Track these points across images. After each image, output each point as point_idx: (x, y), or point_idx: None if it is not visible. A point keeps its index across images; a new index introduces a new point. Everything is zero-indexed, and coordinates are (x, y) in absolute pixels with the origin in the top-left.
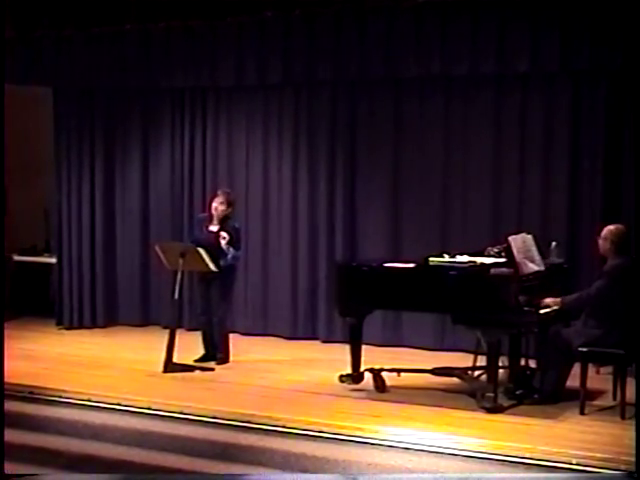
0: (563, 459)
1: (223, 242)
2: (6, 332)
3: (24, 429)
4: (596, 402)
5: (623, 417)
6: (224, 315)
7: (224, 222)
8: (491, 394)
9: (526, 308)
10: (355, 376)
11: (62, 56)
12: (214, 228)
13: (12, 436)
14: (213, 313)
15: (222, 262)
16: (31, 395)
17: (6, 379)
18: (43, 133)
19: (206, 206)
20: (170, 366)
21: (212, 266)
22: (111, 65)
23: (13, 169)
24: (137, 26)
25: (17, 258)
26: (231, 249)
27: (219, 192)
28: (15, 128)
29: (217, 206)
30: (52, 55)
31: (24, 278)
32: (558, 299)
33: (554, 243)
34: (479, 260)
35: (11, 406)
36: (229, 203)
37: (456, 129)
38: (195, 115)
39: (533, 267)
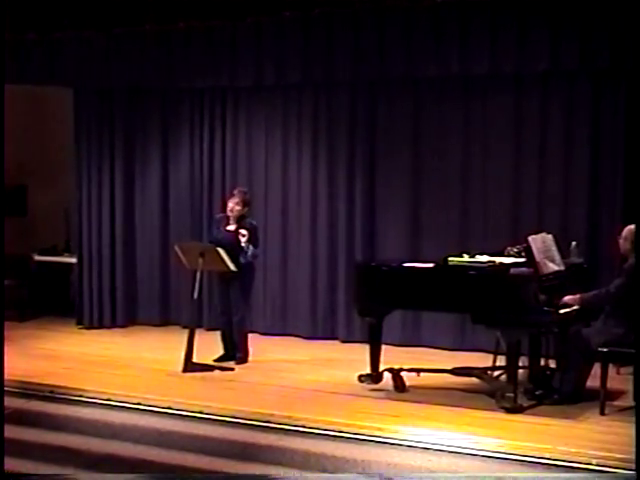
0: (583, 460)
1: (243, 239)
2: (27, 332)
3: (45, 428)
4: (616, 402)
5: None
6: (244, 315)
7: (241, 221)
8: (511, 394)
9: (546, 308)
10: (374, 376)
11: (82, 57)
12: (231, 227)
13: (33, 435)
14: (233, 313)
15: (242, 259)
16: (51, 395)
17: (27, 379)
18: (63, 133)
19: (222, 205)
20: (190, 366)
21: (232, 266)
22: (131, 66)
23: (33, 169)
24: (157, 27)
25: (37, 258)
26: (250, 246)
27: (235, 192)
28: (36, 128)
29: (233, 206)
30: (72, 56)
31: (44, 278)
32: (577, 296)
33: (574, 243)
34: (499, 260)
35: (32, 405)
36: (245, 203)
37: (475, 128)
38: (214, 115)
39: (553, 267)
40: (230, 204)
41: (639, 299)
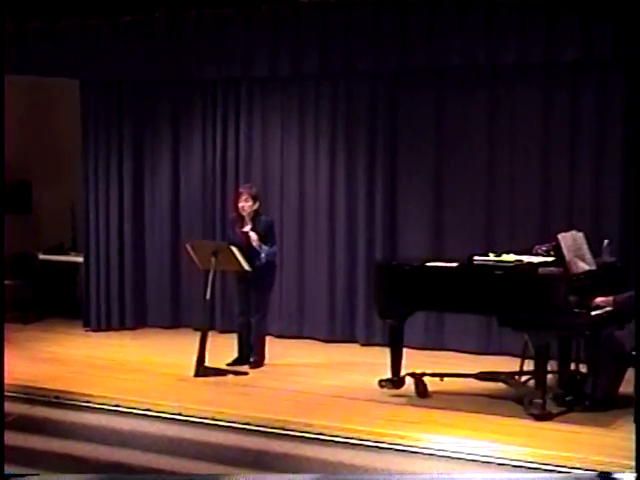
0: (615, 470)
1: (254, 243)
2: (31, 334)
3: (50, 435)
4: None
5: None
6: (262, 317)
7: (255, 219)
8: (539, 400)
9: (576, 309)
10: (395, 381)
11: (89, 47)
12: (247, 228)
13: (37, 443)
14: (251, 314)
15: (257, 263)
16: (57, 400)
17: (31, 383)
18: (69, 127)
19: (233, 206)
20: (202, 370)
21: (246, 265)
22: (140, 56)
23: (38, 164)
24: (167, 15)
25: (42, 257)
26: (264, 247)
27: (241, 190)
28: (40, 121)
29: (243, 205)
30: (78, 46)
31: (50, 278)
32: (610, 298)
33: (606, 241)
34: (527, 259)
35: (36, 411)
36: (254, 198)
37: (502, 121)
38: (227, 107)
39: (584, 266)
40: (240, 204)
41: (639, 300)
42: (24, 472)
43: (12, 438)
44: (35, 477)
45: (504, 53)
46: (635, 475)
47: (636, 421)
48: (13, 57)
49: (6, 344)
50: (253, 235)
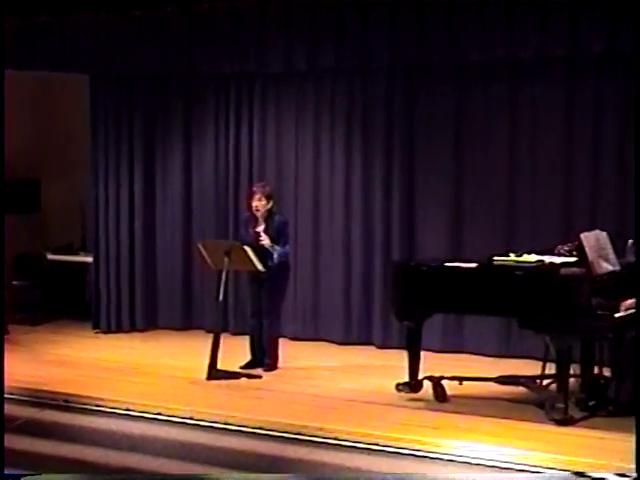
0: None
1: (266, 243)
2: (40, 336)
3: (59, 440)
4: None
5: None
6: (276, 318)
7: (269, 219)
8: (561, 405)
9: (600, 311)
10: (413, 384)
11: (99, 41)
12: (260, 228)
13: (46, 447)
14: (264, 316)
15: (270, 263)
16: (66, 404)
17: (40, 386)
18: (79, 123)
19: (246, 205)
20: (214, 373)
21: (259, 266)
22: (151, 51)
23: (47, 162)
24: (179, 8)
25: (51, 257)
26: (276, 247)
27: (254, 189)
28: (49, 118)
29: (256, 205)
30: (88, 40)
31: (59, 278)
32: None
33: (631, 241)
34: (548, 259)
35: (45, 415)
36: (267, 197)
37: (523, 117)
38: (241, 103)
39: (607, 267)
40: (254, 203)
41: (639, 302)
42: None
43: (20, 442)
44: (35, 477)
45: (525, 47)
46: (635, 475)
47: (636, 421)
48: (21, 52)
49: (14, 346)
50: (265, 237)
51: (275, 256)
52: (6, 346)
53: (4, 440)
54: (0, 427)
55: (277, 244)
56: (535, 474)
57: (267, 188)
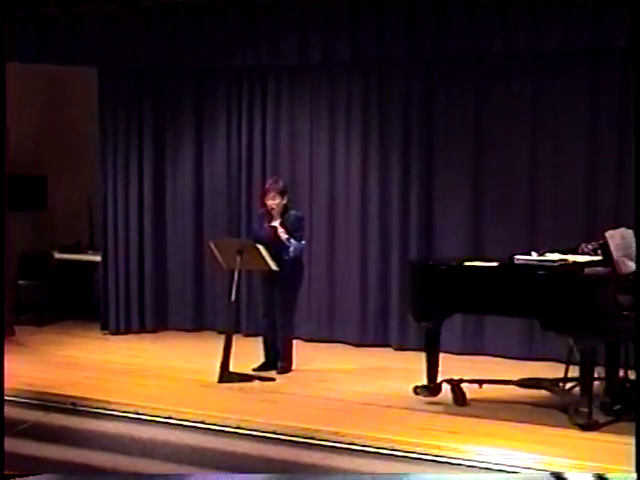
0: None
1: (283, 236)
2: (47, 337)
3: (66, 444)
4: None
5: None
6: (289, 319)
7: (284, 214)
8: (585, 409)
9: (625, 312)
10: (432, 388)
11: (108, 34)
12: (276, 223)
13: (52, 452)
14: (277, 317)
15: (285, 257)
16: (73, 407)
17: (46, 389)
18: (87, 118)
19: (260, 202)
20: (226, 375)
21: (273, 265)
22: (161, 43)
23: (54, 158)
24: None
25: (58, 256)
26: (292, 241)
27: (267, 185)
28: (56, 112)
29: (271, 203)
30: (97, 33)
31: (66, 278)
32: None
33: None
34: (572, 258)
35: (52, 419)
36: (282, 193)
37: (545, 112)
38: (254, 97)
39: (633, 266)
40: (269, 202)
41: (638, 301)
42: None
43: (26, 447)
44: (35, 477)
45: (548, 39)
46: (635, 475)
47: (636, 421)
48: (27, 45)
49: (20, 347)
50: (282, 230)
51: (291, 249)
52: (12, 347)
53: (10, 445)
54: (0, 428)
55: (293, 238)
56: None
57: (280, 183)
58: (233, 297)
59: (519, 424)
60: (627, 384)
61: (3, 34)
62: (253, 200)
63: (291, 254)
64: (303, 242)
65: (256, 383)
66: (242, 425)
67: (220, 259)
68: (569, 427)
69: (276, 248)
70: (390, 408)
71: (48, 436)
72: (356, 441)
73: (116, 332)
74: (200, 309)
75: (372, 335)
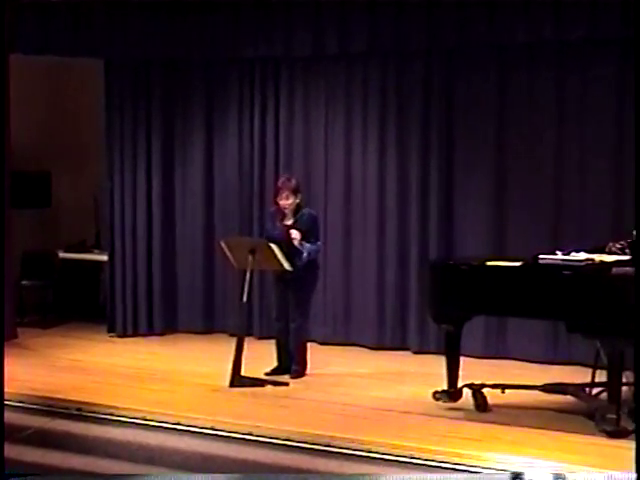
0: None
1: (295, 242)
2: (51, 340)
3: (71, 451)
4: None
5: None
6: (303, 321)
7: (298, 213)
8: (613, 415)
9: None
10: (452, 393)
11: (114, 24)
12: (289, 222)
13: (57, 459)
14: (290, 319)
15: (298, 262)
16: (79, 412)
17: (51, 394)
18: (93, 112)
19: (273, 199)
20: (237, 380)
21: (286, 265)
22: (170, 33)
23: (58, 153)
24: None
25: (63, 255)
26: (306, 245)
27: (279, 184)
28: (61, 106)
29: (284, 203)
30: (103, 23)
31: (71, 278)
32: None
33: None
34: (598, 258)
35: (56, 425)
36: (294, 191)
37: (571, 103)
38: (266, 89)
39: None
40: (281, 202)
41: (638, 301)
42: None
43: (30, 453)
44: (35, 477)
45: (574, 27)
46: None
47: (636, 421)
48: (32, 36)
49: (23, 351)
50: (295, 233)
51: (304, 255)
52: (15, 351)
53: (14, 452)
54: (0, 428)
55: (306, 240)
56: None
57: (293, 181)
58: (245, 298)
59: (543, 431)
60: None
61: (3, 26)
62: (266, 197)
63: (304, 260)
64: (319, 243)
65: (269, 388)
66: (254, 432)
67: (231, 258)
68: (596, 434)
69: (290, 248)
70: (408, 414)
71: (53, 443)
72: (373, 449)
73: (123, 334)
74: (210, 310)
75: (390, 338)
